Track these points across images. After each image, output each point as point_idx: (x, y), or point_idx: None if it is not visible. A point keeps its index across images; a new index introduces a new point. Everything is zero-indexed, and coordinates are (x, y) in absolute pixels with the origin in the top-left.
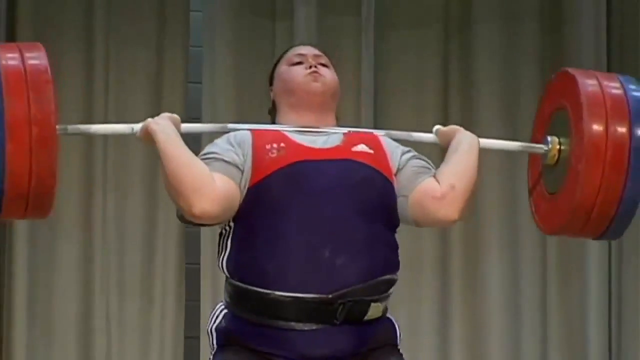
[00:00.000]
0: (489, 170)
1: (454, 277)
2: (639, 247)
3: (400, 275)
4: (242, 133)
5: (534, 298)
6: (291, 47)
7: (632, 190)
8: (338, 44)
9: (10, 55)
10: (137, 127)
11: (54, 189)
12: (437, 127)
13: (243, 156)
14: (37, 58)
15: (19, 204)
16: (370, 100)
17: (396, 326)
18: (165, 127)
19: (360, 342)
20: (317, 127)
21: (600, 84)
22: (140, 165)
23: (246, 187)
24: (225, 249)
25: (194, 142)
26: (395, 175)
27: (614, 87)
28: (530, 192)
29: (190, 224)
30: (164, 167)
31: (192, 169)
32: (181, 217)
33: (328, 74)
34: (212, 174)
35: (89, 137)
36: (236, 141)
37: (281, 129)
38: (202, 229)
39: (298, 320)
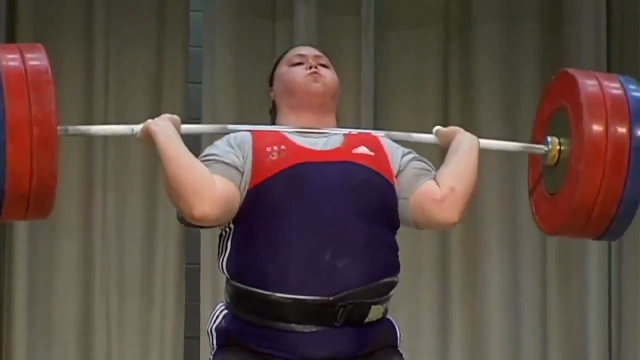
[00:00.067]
0: (489, 171)
1: (453, 278)
2: (639, 247)
3: (400, 275)
4: (242, 134)
5: (534, 298)
6: (291, 47)
7: (633, 190)
8: (338, 44)
9: (10, 56)
10: (138, 128)
11: (55, 190)
12: (437, 127)
13: (243, 158)
14: (37, 59)
15: (19, 205)
16: (370, 100)
17: (396, 327)
18: (165, 128)
19: (360, 344)
20: (318, 128)
21: (600, 84)
22: (140, 165)
23: (246, 189)
24: (225, 250)
25: (194, 143)
26: (396, 177)
27: (614, 87)
28: (531, 192)
29: (190, 226)
30: (164, 169)
31: (193, 171)
32: (181, 219)
33: (328, 75)
34: (213, 176)
35: (89, 138)
36: (236, 143)
37: (281, 129)
38: (202, 229)
39: (299, 322)
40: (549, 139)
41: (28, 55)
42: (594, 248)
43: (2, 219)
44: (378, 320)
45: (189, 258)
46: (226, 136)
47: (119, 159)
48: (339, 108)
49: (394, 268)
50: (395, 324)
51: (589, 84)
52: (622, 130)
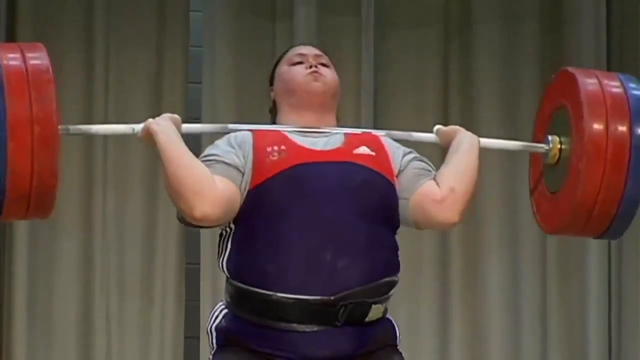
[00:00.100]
0: (489, 171)
1: (453, 278)
2: (639, 247)
3: (400, 275)
4: (243, 134)
5: (534, 298)
6: (291, 47)
7: (633, 189)
8: (338, 44)
9: (11, 55)
10: (138, 127)
11: (56, 189)
12: (437, 126)
13: (244, 158)
14: (38, 58)
15: (20, 204)
16: (370, 100)
17: (395, 326)
18: (166, 127)
19: (360, 343)
20: (318, 127)
21: (600, 83)
22: (140, 165)
23: (247, 189)
24: (226, 250)
25: (194, 143)
26: (397, 177)
27: (614, 85)
28: (532, 191)
29: (190, 225)
30: (165, 169)
31: (193, 171)
32: (181, 219)
33: (328, 74)
34: (213, 176)
35: (89, 137)
36: (237, 142)
37: (282, 129)
38: (202, 229)
39: (300, 322)
40: (549, 137)
41: (29, 54)
42: (594, 248)
43: (2, 218)
44: (378, 320)
45: (189, 258)
46: (227, 136)
47: (119, 159)
48: (339, 108)
49: (394, 267)
50: (394, 323)
51: (589, 82)
52: (622, 128)
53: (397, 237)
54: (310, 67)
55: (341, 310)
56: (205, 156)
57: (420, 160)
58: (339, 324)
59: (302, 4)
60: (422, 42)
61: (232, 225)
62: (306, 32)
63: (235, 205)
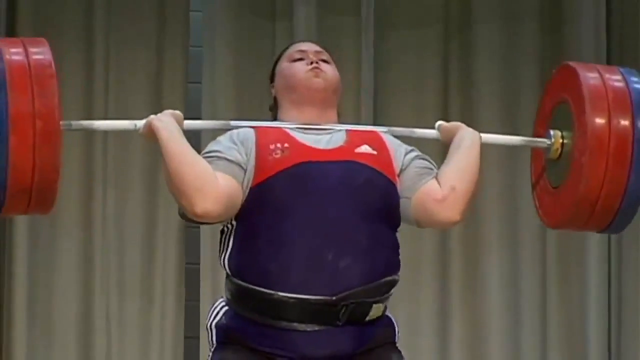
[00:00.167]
0: (489, 169)
1: (453, 277)
2: (639, 247)
3: (400, 274)
4: (246, 131)
5: (534, 298)
6: (292, 43)
7: (636, 183)
8: (338, 44)
9: (14, 50)
10: (140, 123)
11: (57, 184)
12: (439, 122)
13: (246, 155)
14: (41, 53)
15: (21, 199)
16: (370, 100)
17: (395, 324)
18: (168, 124)
19: (360, 342)
20: (319, 124)
21: (601, 77)
22: (141, 162)
23: (249, 187)
24: (227, 247)
25: (195, 140)
26: (399, 175)
27: (615, 79)
28: (534, 186)
29: (191, 222)
30: (166, 165)
31: (195, 168)
32: (183, 215)
33: (329, 70)
34: (215, 173)
35: (90, 134)
36: (239, 139)
37: (284, 126)
38: (203, 228)
39: (301, 321)
40: (551, 132)
41: (31, 49)
42: (594, 247)
43: (3, 213)
44: (378, 318)
45: (188, 258)
46: (229, 132)
47: (119, 155)
48: (340, 107)
49: (395, 267)
50: (394, 320)
51: (590, 76)
52: (624, 122)
53: (397, 235)
54: (311, 63)
55: (342, 310)
56: (207, 152)
57: (422, 159)
58: (340, 324)
59: (302, 3)
60: (422, 42)
61: (234, 222)
62: (306, 32)
63: (237, 202)
